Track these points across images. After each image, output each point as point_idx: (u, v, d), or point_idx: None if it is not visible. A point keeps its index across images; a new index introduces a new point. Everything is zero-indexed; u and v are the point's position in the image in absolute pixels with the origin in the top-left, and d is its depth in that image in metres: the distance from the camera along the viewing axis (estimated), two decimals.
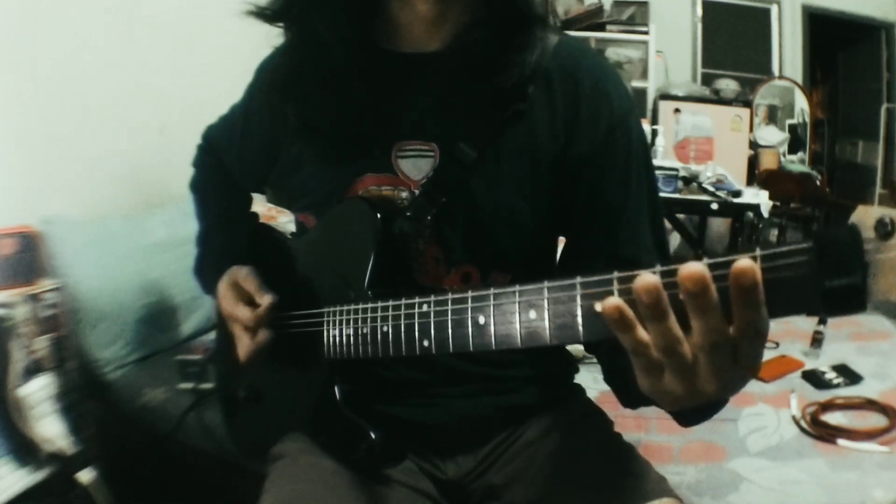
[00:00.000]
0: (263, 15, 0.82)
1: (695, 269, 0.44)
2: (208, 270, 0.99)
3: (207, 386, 1.38)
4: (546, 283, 0.54)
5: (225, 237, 1.03)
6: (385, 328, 0.69)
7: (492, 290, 0.58)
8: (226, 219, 1.06)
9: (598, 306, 0.49)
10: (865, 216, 0.42)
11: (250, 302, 0.86)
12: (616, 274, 0.50)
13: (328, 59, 0.80)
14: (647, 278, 0.45)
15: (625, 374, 0.52)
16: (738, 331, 0.45)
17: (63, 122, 1.72)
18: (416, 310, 0.65)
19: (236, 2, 0.81)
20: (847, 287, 0.42)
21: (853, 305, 0.42)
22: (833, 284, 0.42)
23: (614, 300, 0.47)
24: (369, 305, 0.72)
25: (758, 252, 0.44)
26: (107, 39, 1.84)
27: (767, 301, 0.44)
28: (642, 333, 0.48)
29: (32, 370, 1.42)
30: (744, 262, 0.43)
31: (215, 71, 1.86)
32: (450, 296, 0.62)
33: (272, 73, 0.89)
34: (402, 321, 0.67)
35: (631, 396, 0.71)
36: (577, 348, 1.18)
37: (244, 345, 0.85)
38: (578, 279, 0.52)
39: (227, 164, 1.04)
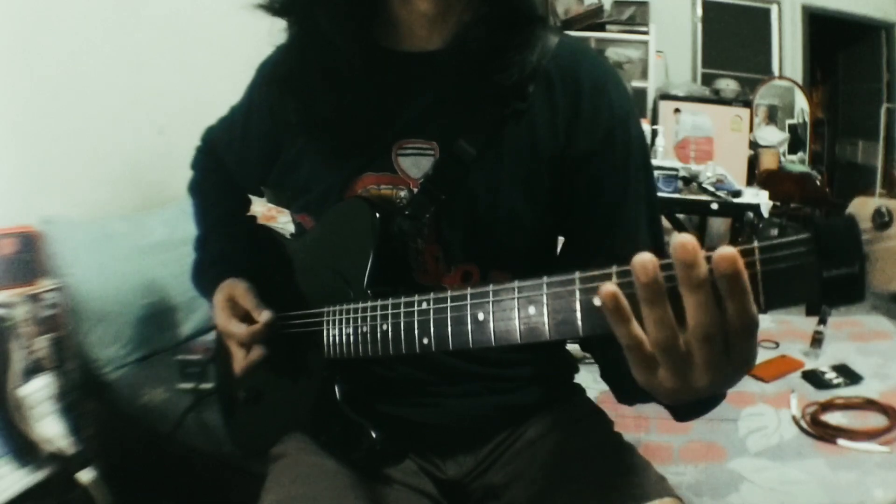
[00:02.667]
0: (267, 8, 0.82)
1: (685, 239, 0.44)
2: (206, 276, 0.97)
3: (207, 386, 1.38)
4: (545, 279, 0.54)
5: (223, 242, 1.01)
6: (385, 326, 0.69)
7: (491, 287, 0.58)
8: (224, 223, 1.04)
9: (597, 300, 0.49)
10: (863, 207, 0.42)
11: (246, 318, 0.86)
12: (615, 268, 0.50)
13: (329, 56, 0.80)
14: (645, 255, 0.46)
15: (618, 368, 0.52)
16: (728, 323, 0.46)
17: (63, 121, 1.72)
18: (416, 308, 0.65)
19: (236, 2, 0.81)
20: (845, 277, 0.42)
21: (852, 295, 0.42)
22: (832, 274, 0.42)
23: (611, 287, 0.47)
24: (368, 304, 0.72)
25: (756, 244, 0.44)
26: (107, 39, 1.84)
27: (767, 293, 0.44)
28: (637, 328, 0.48)
29: (32, 370, 1.42)
30: (724, 249, 0.43)
31: (215, 71, 1.86)
32: (449, 293, 0.62)
33: (273, 69, 0.89)
34: (402, 319, 0.67)
35: (627, 391, 0.70)
36: (577, 348, 1.18)
37: (238, 360, 0.86)
38: (577, 274, 0.52)
39: (228, 165, 1.03)
